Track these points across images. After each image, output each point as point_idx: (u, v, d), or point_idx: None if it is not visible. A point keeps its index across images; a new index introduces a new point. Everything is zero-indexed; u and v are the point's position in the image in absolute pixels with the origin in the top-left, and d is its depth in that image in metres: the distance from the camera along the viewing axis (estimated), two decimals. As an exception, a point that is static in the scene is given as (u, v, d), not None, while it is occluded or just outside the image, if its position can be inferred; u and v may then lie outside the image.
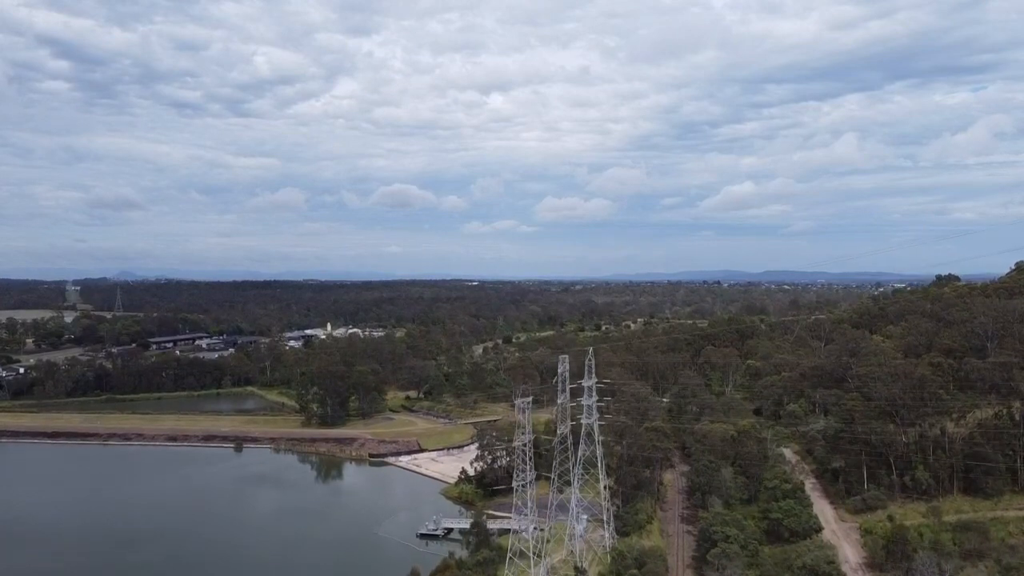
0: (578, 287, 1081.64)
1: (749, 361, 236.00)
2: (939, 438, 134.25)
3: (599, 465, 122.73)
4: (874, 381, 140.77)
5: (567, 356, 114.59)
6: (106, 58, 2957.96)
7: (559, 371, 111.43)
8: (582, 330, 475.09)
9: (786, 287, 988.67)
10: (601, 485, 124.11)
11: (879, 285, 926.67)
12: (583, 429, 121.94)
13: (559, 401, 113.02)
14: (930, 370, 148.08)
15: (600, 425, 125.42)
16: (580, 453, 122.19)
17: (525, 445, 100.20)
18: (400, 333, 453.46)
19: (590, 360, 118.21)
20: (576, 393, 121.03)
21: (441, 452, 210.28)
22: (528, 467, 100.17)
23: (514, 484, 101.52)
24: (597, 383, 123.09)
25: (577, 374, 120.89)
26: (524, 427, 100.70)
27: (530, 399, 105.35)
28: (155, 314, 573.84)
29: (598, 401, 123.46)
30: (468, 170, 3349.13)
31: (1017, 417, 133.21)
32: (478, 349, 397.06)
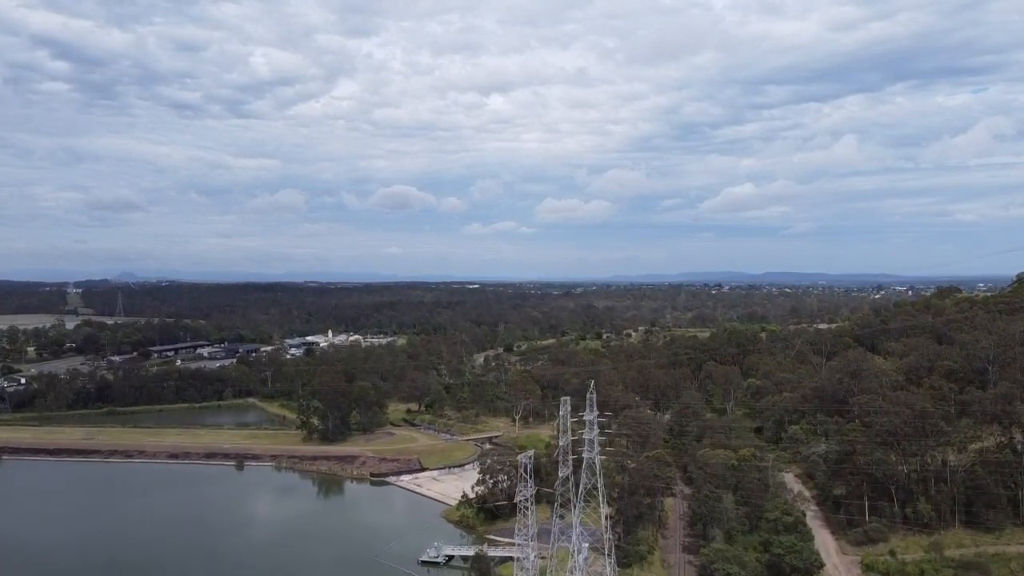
0: (579, 290, 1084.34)
1: (751, 380, 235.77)
2: (940, 469, 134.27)
3: (600, 498, 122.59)
4: (875, 412, 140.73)
5: (568, 398, 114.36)
6: (105, 59, 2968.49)
7: (560, 413, 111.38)
8: (583, 338, 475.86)
9: (787, 290, 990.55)
10: (602, 517, 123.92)
11: (880, 288, 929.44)
12: (584, 462, 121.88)
13: (561, 443, 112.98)
14: (931, 395, 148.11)
15: (601, 458, 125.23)
16: (581, 486, 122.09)
17: (527, 499, 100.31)
18: (401, 341, 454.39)
19: (591, 395, 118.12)
20: (578, 425, 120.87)
21: (442, 471, 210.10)
22: (532, 521, 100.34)
23: (516, 539, 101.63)
24: (598, 416, 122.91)
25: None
26: (527, 480, 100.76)
27: (532, 453, 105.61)
28: (156, 320, 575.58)
29: (599, 434, 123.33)
30: (468, 171, 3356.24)
31: (1019, 448, 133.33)
32: (479, 358, 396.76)
